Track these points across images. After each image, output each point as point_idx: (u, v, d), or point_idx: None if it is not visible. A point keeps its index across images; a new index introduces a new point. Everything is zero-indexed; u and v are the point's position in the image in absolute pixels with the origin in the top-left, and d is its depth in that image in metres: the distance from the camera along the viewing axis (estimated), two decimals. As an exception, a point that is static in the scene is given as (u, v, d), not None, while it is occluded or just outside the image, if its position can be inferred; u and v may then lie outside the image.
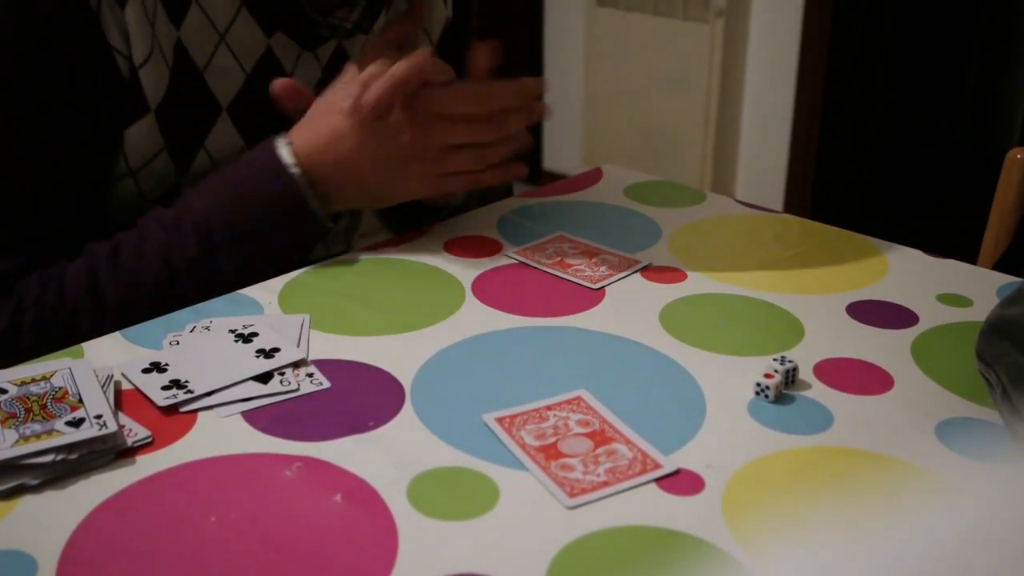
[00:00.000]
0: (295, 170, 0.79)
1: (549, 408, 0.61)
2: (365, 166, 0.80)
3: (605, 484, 0.54)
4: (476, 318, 0.73)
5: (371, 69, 0.79)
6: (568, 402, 0.62)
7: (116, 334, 0.70)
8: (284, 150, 0.79)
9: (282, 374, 0.65)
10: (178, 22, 0.81)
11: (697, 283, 0.79)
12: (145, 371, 0.64)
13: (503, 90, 0.81)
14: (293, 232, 0.81)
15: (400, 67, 0.77)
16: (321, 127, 0.81)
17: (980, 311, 0.74)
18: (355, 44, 0.92)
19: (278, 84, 0.82)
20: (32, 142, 0.78)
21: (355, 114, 0.78)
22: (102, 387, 0.61)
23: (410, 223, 0.93)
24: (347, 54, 0.91)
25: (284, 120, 0.88)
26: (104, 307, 0.77)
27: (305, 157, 0.80)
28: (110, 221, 0.85)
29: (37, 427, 0.56)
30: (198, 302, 0.76)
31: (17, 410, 0.58)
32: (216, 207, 0.78)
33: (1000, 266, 1.07)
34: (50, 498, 0.53)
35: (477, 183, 0.85)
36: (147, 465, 0.56)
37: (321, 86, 0.89)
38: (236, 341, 0.68)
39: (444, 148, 0.81)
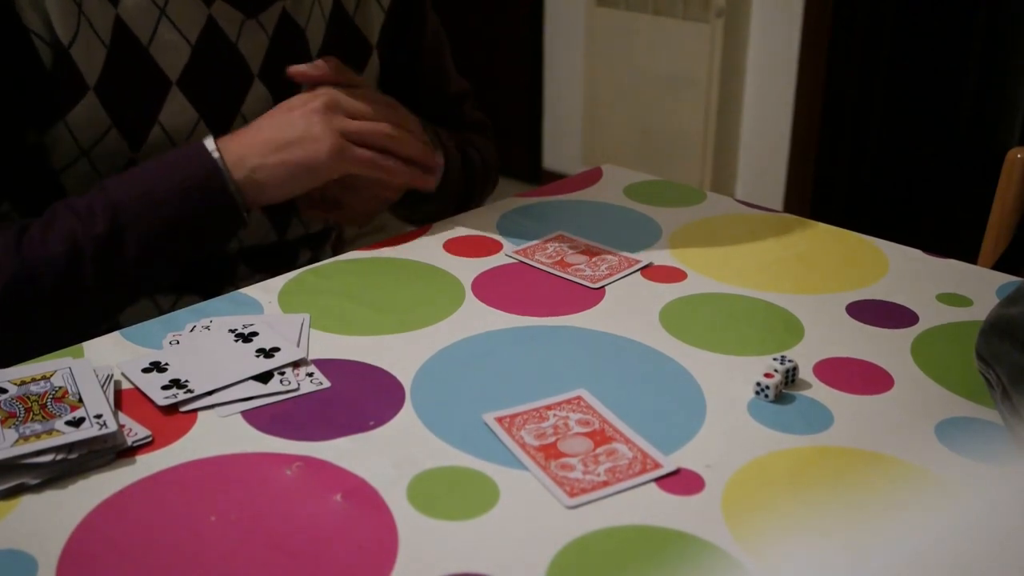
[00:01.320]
0: (216, 154, 0.79)
1: (549, 408, 0.61)
2: (272, 131, 0.81)
3: (605, 484, 0.54)
4: (476, 318, 0.73)
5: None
6: (568, 402, 0.62)
7: (116, 334, 0.70)
8: (209, 141, 0.80)
9: (282, 374, 0.65)
10: (115, 1, 0.81)
11: (697, 283, 0.79)
12: (145, 371, 0.64)
13: (404, 116, 0.86)
14: (207, 214, 0.80)
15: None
16: (247, 136, 0.82)
17: (980, 311, 0.74)
18: (300, 7, 0.91)
19: (293, 71, 0.85)
20: None
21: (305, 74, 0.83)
22: (102, 387, 0.61)
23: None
24: (293, 20, 0.91)
25: (234, 91, 0.89)
26: None
27: (224, 142, 0.80)
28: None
29: (37, 427, 0.56)
30: (98, 288, 0.76)
31: (17, 410, 0.58)
32: (130, 185, 0.78)
33: (1000, 266, 1.07)
34: (50, 498, 0.53)
35: (378, 167, 0.84)
36: (147, 465, 0.56)
37: (271, 53, 0.89)
38: (236, 341, 0.68)
39: (334, 105, 0.82)
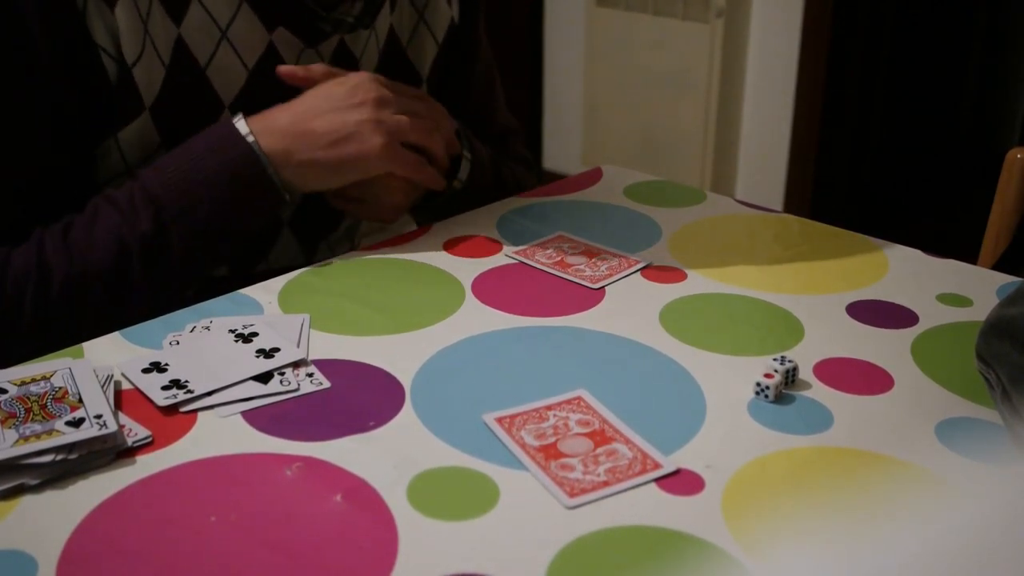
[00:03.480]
0: (251, 138, 0.79)
1: (549, 408, 0.61)
2: (320, 124, 0.80)
3: (605, 484, 0.54)
4: (476, 318, 0.73)
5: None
6: (568, 402, 0.62)
7: (116, 334, 0.70)
8: (240, 123, 0.80)
9: (282, 374, 0.65)
10: (178, 20, 0.81)
11: (697, 283, 0.79)
12: (145, 371, 0.64)
13: (436, 111, 0.87)
14: (248, 199, 0.80)
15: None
16: (276, 120, 0.81)
17: (980, 311, 0.74)
18: (357, 39, 0.92)
19: (282, 70, 0.84)
20: (11, 141, 0.78)
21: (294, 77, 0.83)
22: (102, 387, 0.61)
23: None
24: (349, 50, 0.91)
25: None
26: (49, 282, 0.76)
27: (260, 128, 0.80)
28: None
29: (37, 427, 0.56)
30: (146, 282, 0.76)
31: (17, 410, 0.58)
32: (170, 179, 0.78)
33: (1000, 266, 1.07)
34: (50, 498, 0.53)
35: (419, 171, 0.85)
36: (147, 465, 0.56)
37: None
38: (236, 341, 0.68)
39: (384, 102, 0.82)
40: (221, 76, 0.84)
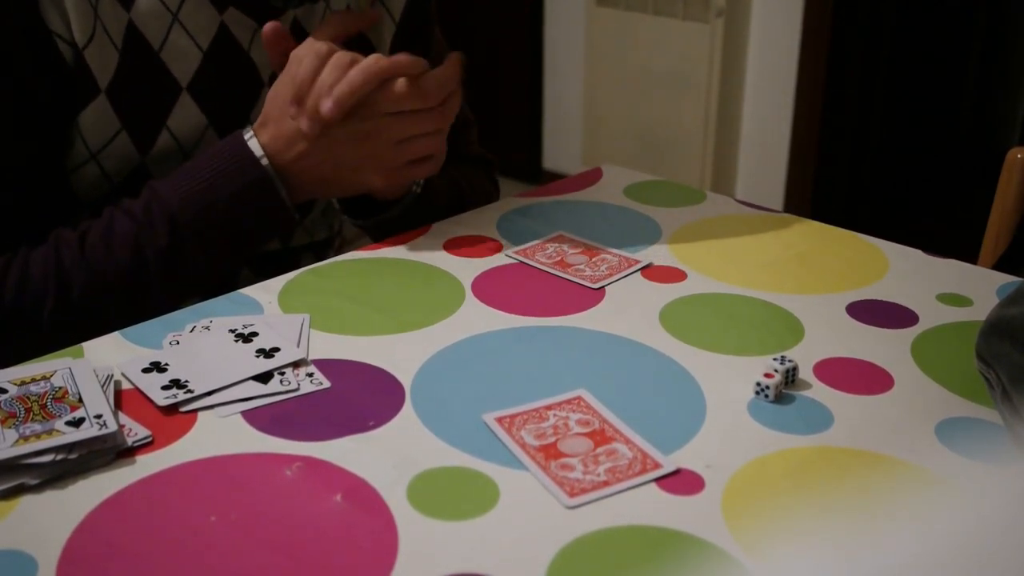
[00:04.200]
0: (265, 162, 0.80)
1: (549, 408, 0.61)
2: (326, 167, 0.82)
3: (605, 484, 0.54)
4: (476, 318, 0.73)
5: (325, 77, 0.79)
6: (568, 402, 0.62)
7: (116, 334, 0.70)
8: (253, 143, 0.81)
9: (282, 374, 0.65)
10: (128, 5, 0.81)
11: (697, 283, 0.79)
12: (145, 371, 0.64)
13: (444, 79, 0.83)
14: (262, 222, 0.82)
15: (356, 76, 0.78)
16: (280, 126, 0.81)
17: (980, 311, 0.74)
18: (311, 14, 0.91)
19: (268, 28, 0.83)
20: None
21: (311, 130, 0.79)
22: (102, 387, 0.61)
23: (375, 215, 0.92)
24: (303, 27, 0.91)
25: (244, 97, 0.89)
26: (68, 294, 0.77)
27: (271, 153, 0.81)
28: (78, 203, 0.86)
29: (37, 427, 0.56)
30: (163, 294, 0.77)
31: (17, 410, 0.58)
32: (187, 198, 0.79)
33: (1000, 266, 1.07)
34: (50, 498, 0.53)
35: (435, 168, 0.86)
36: (147, 465, 0.56)
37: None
38: (236, 341, 0.68)
39: (399, 141, 0.82)
40: (176, 59, 0.84)
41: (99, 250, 0.78)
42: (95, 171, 0.84)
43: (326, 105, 0.78)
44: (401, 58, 0.80)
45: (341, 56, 0.79)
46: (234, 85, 0.88)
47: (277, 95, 0.82)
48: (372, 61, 0.79)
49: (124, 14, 0.81)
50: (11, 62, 0.77)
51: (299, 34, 0.90)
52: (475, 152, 1.08)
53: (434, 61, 1.04)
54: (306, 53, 0.80)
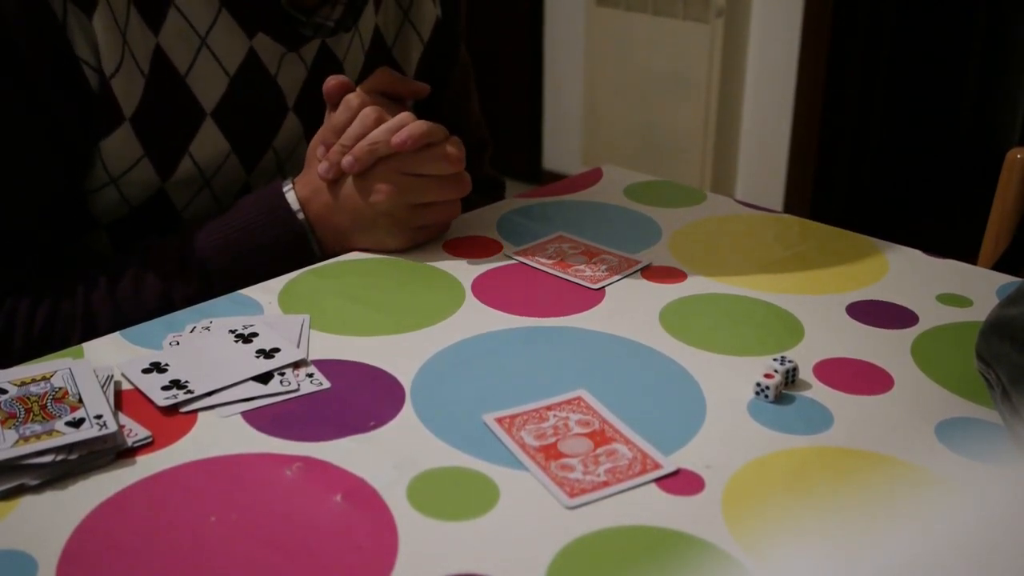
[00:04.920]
0: (301, 216, 0.82)
1: (549, 408, 0.61)
2: (343, 219, 0.83)
3: (605, 484, 0.54)
4: (476, 318, 0.73)
5: (354, 129, 0.81)
6: (568, 402, 0.62)
7: (116, 334, 0.70)
8: (291, 195, 0.83)
9: (282, 374, 0.65)
10: (156, 28, 0.80)
11: (697, 283, 0.79)
12: (145, 371, 0.64)
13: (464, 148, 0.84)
14: (289, 267, 0.82)
15: (380, 133, 0.80)
16: (310, 172, 0.83)
17: (980, 311, 0.74)
18: (340, 42, 0.92)
19: (332, 83, 0.83)
20: (6, 155, 0.78)
21: (326, 174, 0.81)
22: (102, 387, 0.61)
23: None
24: (332, 53, 0.91)
25: (268, 123, 0.89)
26: (94, 334, 0.76)
27: (304, 202, 0.83)
28: (95, 223, 0.86)
29: (37, 427, 0.56)
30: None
31: (17, 410, 0.58)
32: (222, 248, 0.81)
33: (1000, 266, 1.07)
34: (50, 498, 0.53)
35: (445, 229, 0.88)
36: (147, 465, 0.56)
37: (307, 86, 0.89)
38: (236, 341, 0.68)
39: (416, 206, 0.82)
40: (202, 84, 0.84)
41: (129, 292, 0.80)
42: (114, 195, 0.84)
43: (348, 160, 0.80)
44: (423, 126, 0.81)
45: (369, 112, 0.81)
46: (259, 111, 0.88)
47: (315, 141, 0.84)
48: (397, 122, 0.81)
49: (152, 38, 0.80)
50: (36, 87, 0.76)
51: (328, 61, 0.91)
52: (486, 174, 1.09)
53: (458, 80, 1.05)
54: (344, 103, 0.82)
